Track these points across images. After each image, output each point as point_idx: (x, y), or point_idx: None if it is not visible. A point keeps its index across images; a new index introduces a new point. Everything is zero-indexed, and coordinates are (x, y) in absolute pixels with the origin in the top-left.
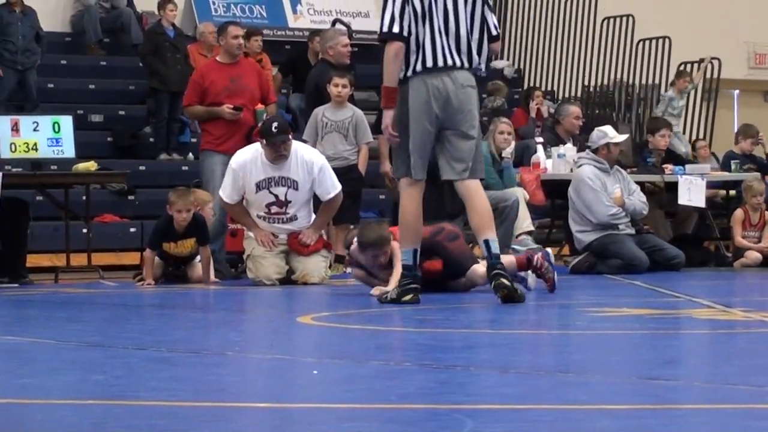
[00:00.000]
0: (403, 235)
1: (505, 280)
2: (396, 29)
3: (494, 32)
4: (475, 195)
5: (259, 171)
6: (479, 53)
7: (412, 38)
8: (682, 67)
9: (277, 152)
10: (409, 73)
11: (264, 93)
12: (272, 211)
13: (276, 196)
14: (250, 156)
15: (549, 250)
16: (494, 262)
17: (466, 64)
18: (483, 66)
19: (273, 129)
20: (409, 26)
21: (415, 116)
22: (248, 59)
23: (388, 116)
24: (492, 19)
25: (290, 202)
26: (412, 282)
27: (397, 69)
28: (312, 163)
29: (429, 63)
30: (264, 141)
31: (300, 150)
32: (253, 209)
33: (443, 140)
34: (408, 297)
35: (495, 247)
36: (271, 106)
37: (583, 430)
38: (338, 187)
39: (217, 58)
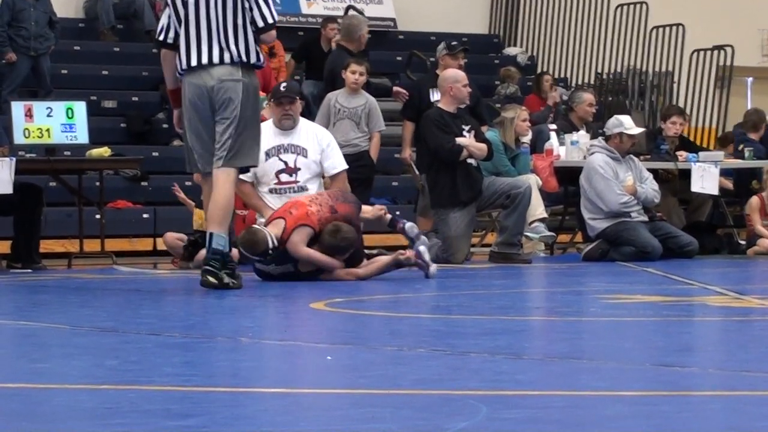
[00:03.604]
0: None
1: (210, 278)
2: (161, 38)
3: (260, 23)
4: (218, 185)
5: (268, 139)
6: (237, 45)
7: (180, 40)
8: (695, 56)
9: (284, 111)
10: (179, 73)
11: (266, 81)
12: (282, 179)
13: (285, 162)
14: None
15: (421, 248)
16: (209, 257)
17: (227, 59)
18: (252, 58)
19: (281, 87)
20: (175, 31)
21: (187, 115)
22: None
23: (175, 115)
24: (258, 12)
25: (299, 169)
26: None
27: (168, 73)
28: (322, 134)
29: (193, 62)
30: (272, 100)
31: (309, 123)
32: (263, 186)
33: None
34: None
35: (216, 243)
36: None
37: (596, 416)
38: (345, 165)
39: None
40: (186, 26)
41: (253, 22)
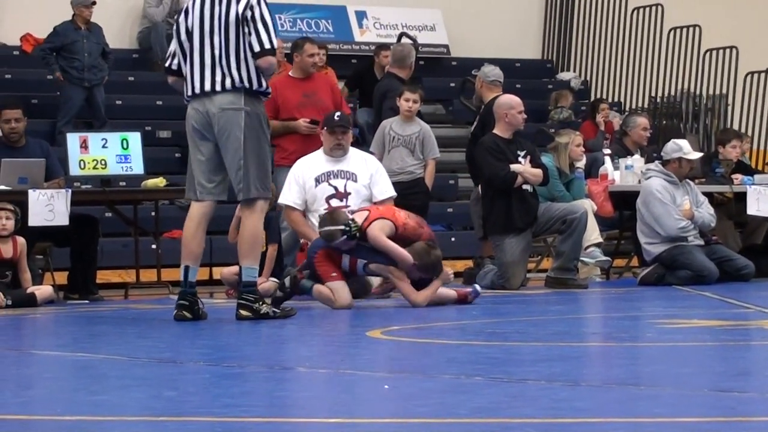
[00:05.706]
0: (183, 252)
1: (243, 311)
2: (167, 64)
3: (257, 48)
4: (243, 219)
5: (318, 166)
6: (240, 71)
7: (185, 69)
8: (749, 78)
9: (336, 140)
10: (185, 100)
11: (336, 107)
12: (333, 205)
13: (335, 188)
14: (310, 156)
15: (477, 286)
16: (242, 290)
17: (228, 86)
18: (254, 84)
19: (335, 117)
20: (179, 58)
21: (190, 141)
22: (321, 73)
23: None
24: (255, 37)
25: (350, 194)
26: (180, 298)
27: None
28: (371, 159)
29: (195, 90)
30: (325, 129)
31: (357, 151)
32: (313, 213)
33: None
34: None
35: (246, 276)
36: None
37: None
38: (393, 192)
39: (290, 73)
40: (191, 57)
41: (251, 47)
